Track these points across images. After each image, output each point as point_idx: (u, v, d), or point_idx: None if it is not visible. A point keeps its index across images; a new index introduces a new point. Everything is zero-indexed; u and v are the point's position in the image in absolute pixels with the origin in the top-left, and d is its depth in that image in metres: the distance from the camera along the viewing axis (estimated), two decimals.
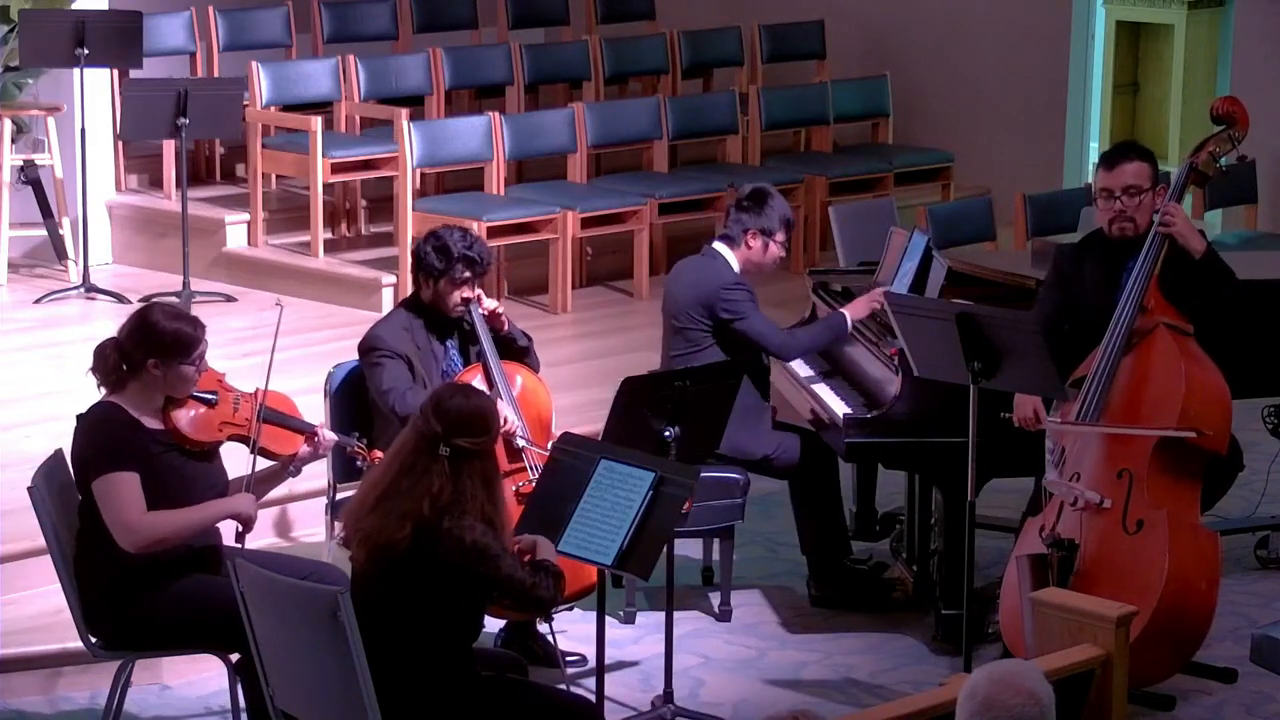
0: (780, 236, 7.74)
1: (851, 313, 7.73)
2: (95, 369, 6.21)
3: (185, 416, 6.20)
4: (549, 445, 6.93)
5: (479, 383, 7.06)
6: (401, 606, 5.57)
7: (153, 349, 6.13)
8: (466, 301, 7.21)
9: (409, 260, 7.67)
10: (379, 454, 6.43)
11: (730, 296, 7.65)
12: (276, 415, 6.40)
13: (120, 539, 6.03)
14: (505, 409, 6.97)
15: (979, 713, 4.21)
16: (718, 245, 7.78)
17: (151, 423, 6.17)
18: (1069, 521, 6.74)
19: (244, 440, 6.32)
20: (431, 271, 7.19)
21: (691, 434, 6.69)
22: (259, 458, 6.36)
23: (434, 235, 7.25)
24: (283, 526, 8.08)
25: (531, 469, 7.01)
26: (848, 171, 11.99)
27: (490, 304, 7.28)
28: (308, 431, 6.45)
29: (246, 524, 6.18)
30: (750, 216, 7.71)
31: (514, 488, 6.89)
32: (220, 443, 6.29)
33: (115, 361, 6.18)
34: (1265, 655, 6.20)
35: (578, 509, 5.98)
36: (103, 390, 6.21)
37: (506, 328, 7.32)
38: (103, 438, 6.09)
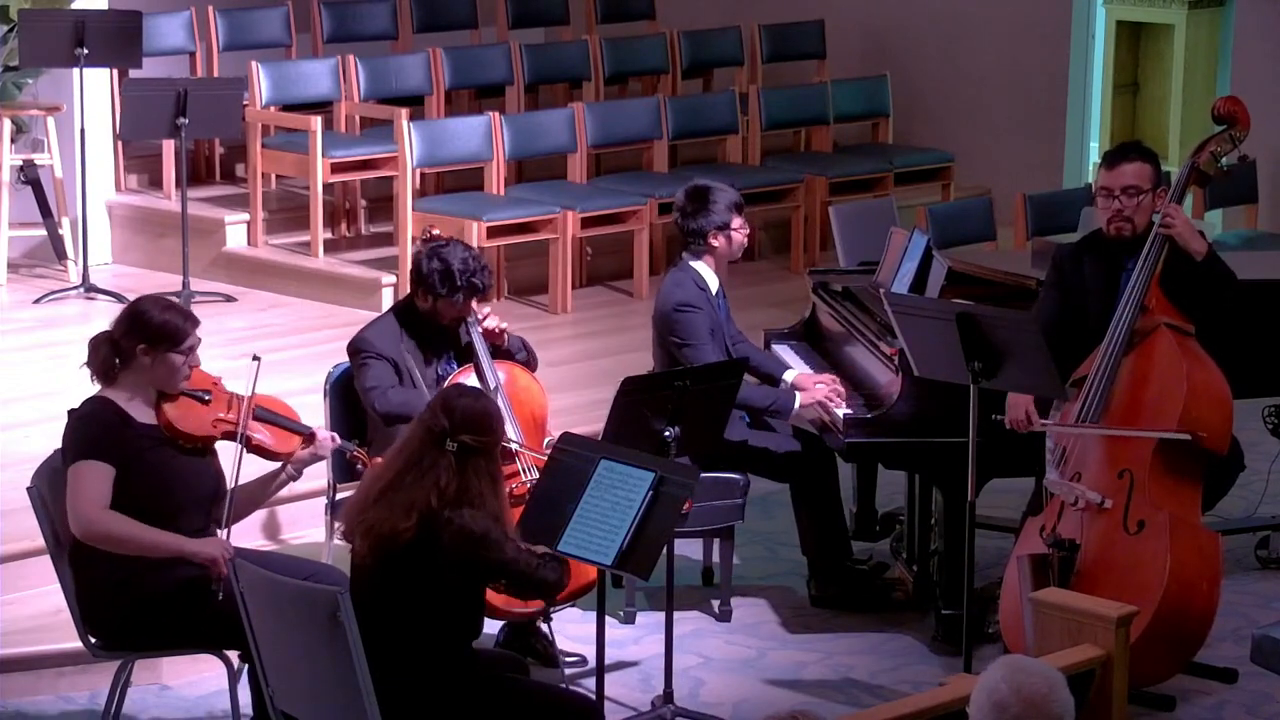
0: (737, 222, 7.59)
1: (803, 398, 7.54)
2: (89, 362, 6.24)
3: (178, 411, 6.21)
4: (545, 444, 6.95)
5: (472, 383, 7.04)
6: (402, 601, 5.58)
7: (142, 336, 6.16)
8: (463, 319, 7.19)
9: (408, 262, 7.63)
10: (380, 461, 6.42)
11: (679, 320, 7.51)
12: (271, 415, 6.41)
13: (73, 525, 6.06)
14: None
15: None
16: (687, 257, 7.64)
17: (143, 416, 6.18)
18: (1070, 521, 6.73)
19: (236, 437, 6.31)
20: (432, 290, 7.16)
21: (691, 434, 6.68)
22: (256, 457, 6.37)
23: (437, 255, 7.11)
24: (279, 527, 8.08)
25: (524, 471, 7.00)
26: (848, 171, 11.98)
27: (492, 324, 7.25)
28: (305, 433, 6.44)
29: (213, 566, 6.03)
30: (700, 220, 7.56)
31: (507, 489, 6.88)
32: (214, 438, 6.28)
33: (107, 353, 6.20)
34: (1265, 655, 6.19)
35: (578, 509, 5.98)
36: (96, 384, 6.23)
37: (506, 343, 7.31)
38: (86, 430, 6.12)
